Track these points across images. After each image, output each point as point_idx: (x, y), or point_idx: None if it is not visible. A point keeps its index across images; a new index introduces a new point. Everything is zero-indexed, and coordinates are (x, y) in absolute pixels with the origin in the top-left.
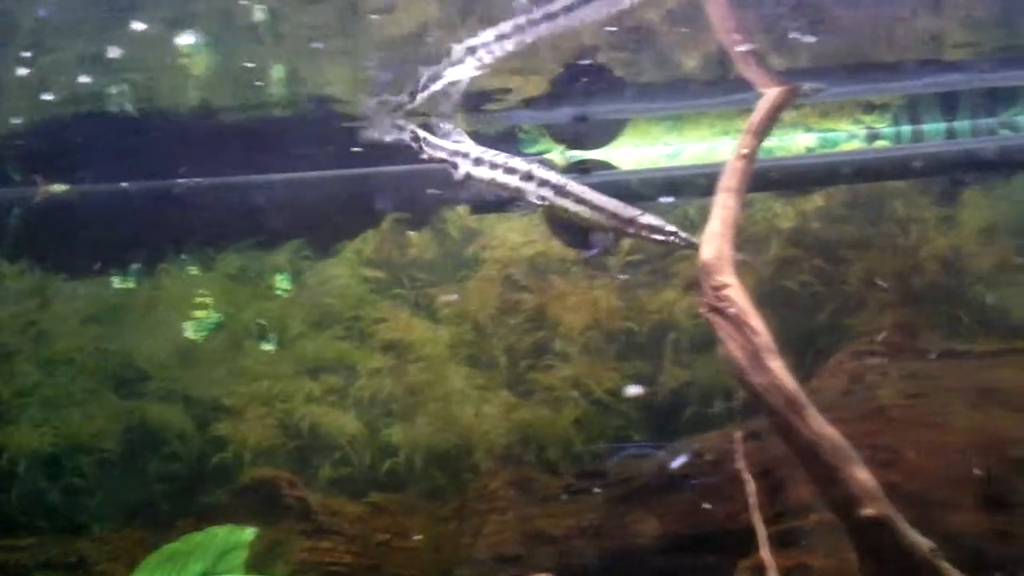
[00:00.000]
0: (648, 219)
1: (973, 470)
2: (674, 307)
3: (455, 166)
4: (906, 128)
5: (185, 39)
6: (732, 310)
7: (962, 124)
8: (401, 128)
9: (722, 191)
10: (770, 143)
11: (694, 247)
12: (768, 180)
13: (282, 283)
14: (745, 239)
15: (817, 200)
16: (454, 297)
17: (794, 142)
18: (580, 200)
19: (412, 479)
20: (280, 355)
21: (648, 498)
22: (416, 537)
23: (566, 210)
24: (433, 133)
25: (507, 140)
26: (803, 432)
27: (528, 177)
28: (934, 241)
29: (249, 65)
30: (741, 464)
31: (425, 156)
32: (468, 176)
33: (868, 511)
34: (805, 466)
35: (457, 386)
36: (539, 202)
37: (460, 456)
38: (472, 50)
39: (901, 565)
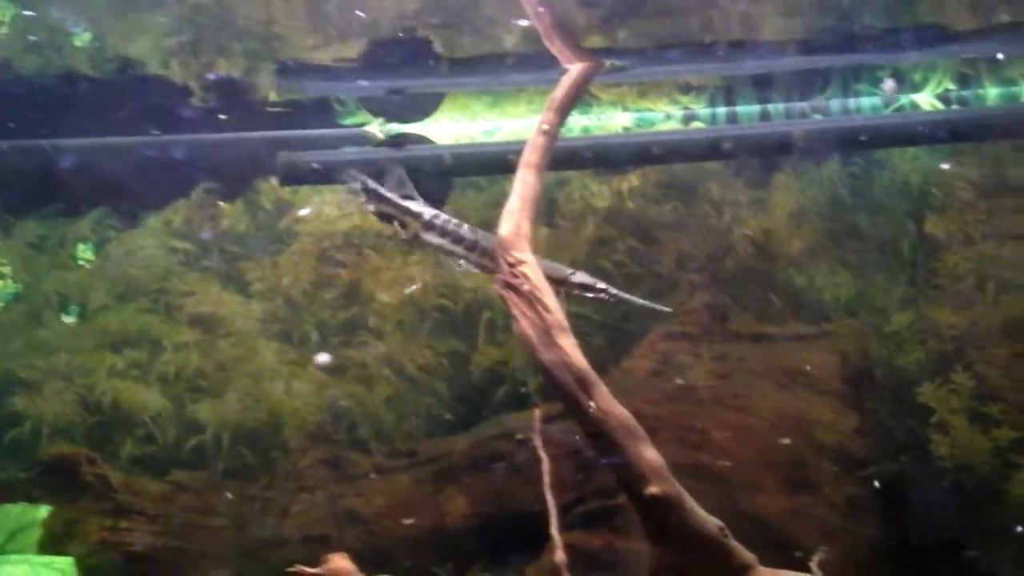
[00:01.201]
0: (579, 277)
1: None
2: (489, 286)
3: (404, 225)
4: (721, 110)
5: None
6: (526, 287)
7: (776, 107)
8: (352, 177)
9: (522, 167)
10: (587, 122)
11: (625, 302)
12: (584, 159)
13: (85, 253)
14: (561, 217)
15: (632, 180)
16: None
17: (611, 121)
18: None
19: (219, 457)
20: (81, 328)
21: (459, 477)
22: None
23: None
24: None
25: (323, 111)
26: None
27: (472, 247)
28: (746, 223)
29: (53, 25)
30: (538, 442)
31: (370, 208)
32: (416, 237)
33: (653, 489)
34: (593, 444)
35: (268, 362)
36: (481, 266)
37: (269, 434)
38: None
39: (688, 544)
